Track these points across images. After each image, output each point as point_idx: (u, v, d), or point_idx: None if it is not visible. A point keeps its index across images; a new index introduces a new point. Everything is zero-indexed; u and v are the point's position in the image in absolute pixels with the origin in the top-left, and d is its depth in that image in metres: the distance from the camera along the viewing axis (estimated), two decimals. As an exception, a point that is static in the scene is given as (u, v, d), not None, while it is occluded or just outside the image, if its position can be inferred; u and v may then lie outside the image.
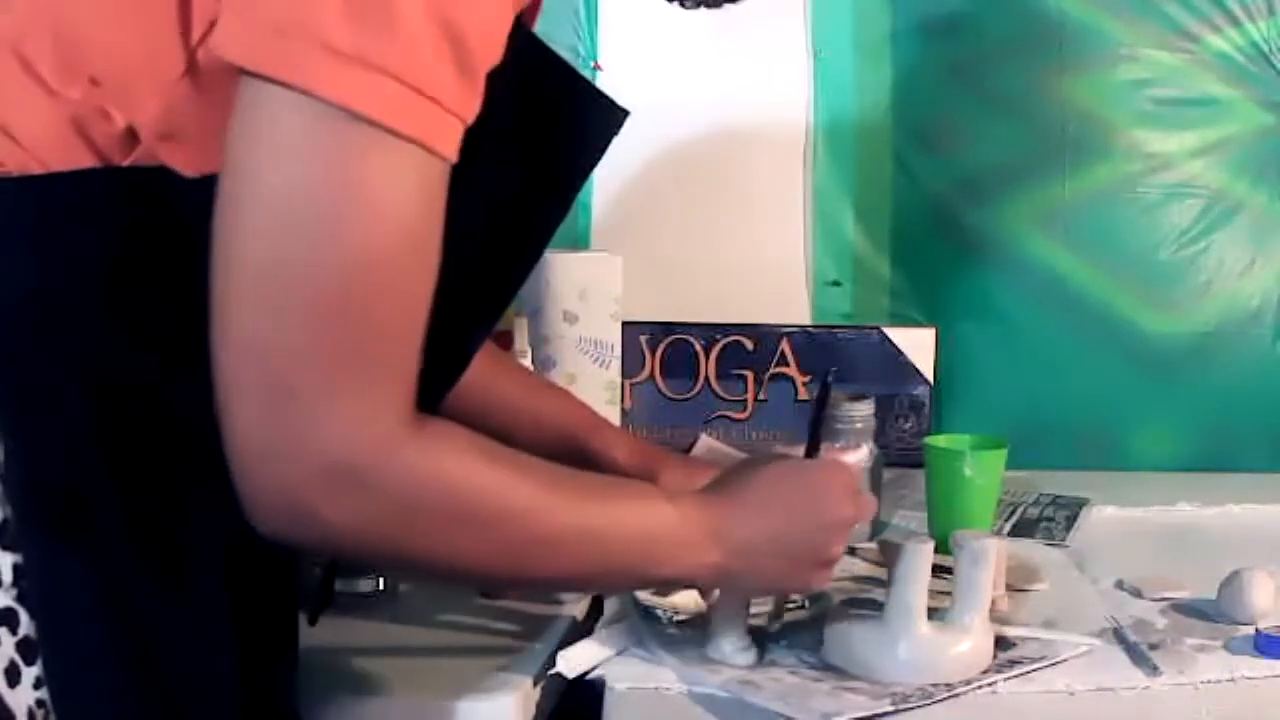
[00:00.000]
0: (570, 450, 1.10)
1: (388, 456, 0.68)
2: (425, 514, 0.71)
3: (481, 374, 1.01)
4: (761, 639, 0.94)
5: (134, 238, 0.70)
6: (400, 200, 0.67)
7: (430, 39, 0.65)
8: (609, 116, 0.85)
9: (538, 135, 0.80)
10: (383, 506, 0.69)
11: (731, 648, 0.92)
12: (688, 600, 0.99)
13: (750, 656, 0.92)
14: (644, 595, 1.00)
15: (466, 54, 0.67)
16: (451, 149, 0.69)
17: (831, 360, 1.55)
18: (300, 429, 0.66)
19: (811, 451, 0.98)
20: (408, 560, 0.76)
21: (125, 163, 0.72)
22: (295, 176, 0.65)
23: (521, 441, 1.10)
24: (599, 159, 0.87)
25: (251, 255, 0.65)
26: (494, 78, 0.71)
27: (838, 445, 1.24)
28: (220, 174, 0.66)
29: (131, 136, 0.72)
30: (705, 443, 1.54)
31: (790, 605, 1.02)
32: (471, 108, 0.69)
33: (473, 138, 0.71)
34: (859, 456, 1.02)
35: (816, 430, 0.98)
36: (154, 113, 0.71)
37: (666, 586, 0.98)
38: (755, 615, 0.96)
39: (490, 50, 0.70)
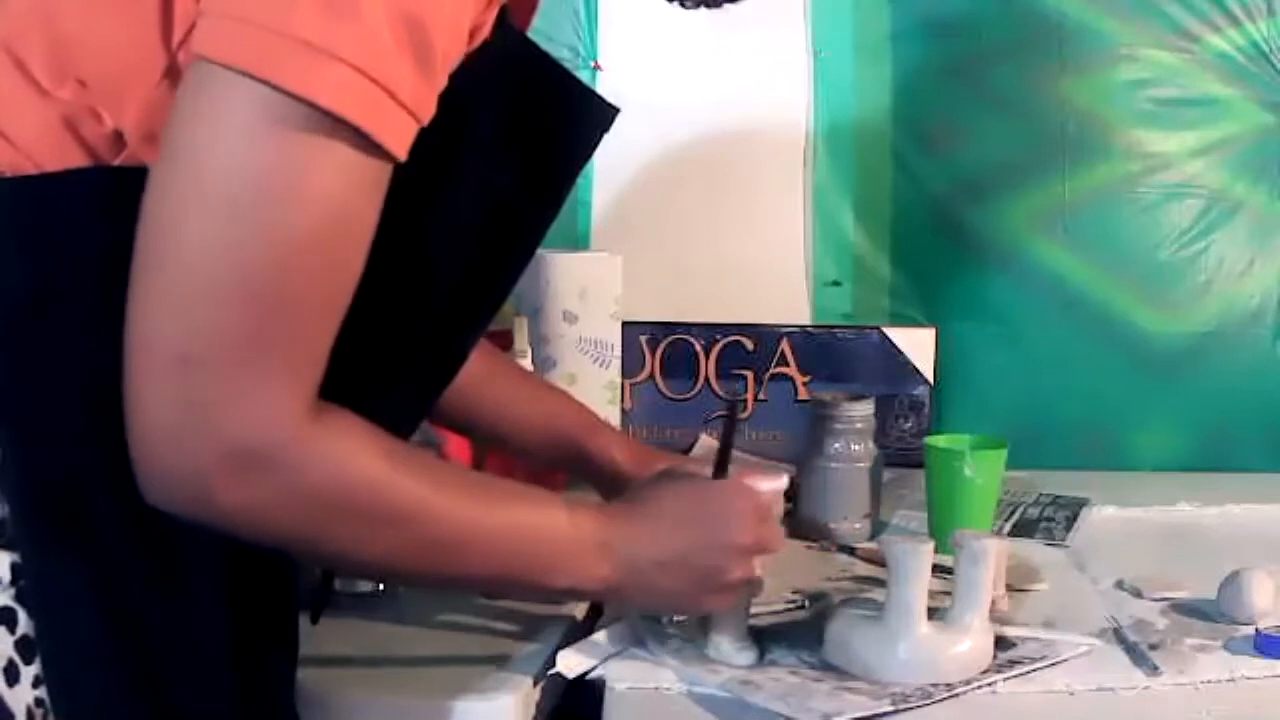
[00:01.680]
0: (568, 451, 1.10)
1: (287, 443, 0.68)
2: (320, 505, 0.70)
3: (478, 374, 1.01)
4: (762, 638, 0.94)
5: (128, 237, 0.70)
6: (333, 187, 0.66)
7: (390, 31, 0.65)
8: (599, 114, 0.84)
9: (528, 134, 0.80)
10: (278, 494, 0.69)
11: (731, 648, 0.92)
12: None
13: (750, 656, 0.92)
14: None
15: (427, 50, 0.67)
16: (399, 145, 0.68)
17: (831, 360, 1.56)
18: (201, 404, 0.65)
19: (719, 472, 0.95)
20: (301, 550, 0.75)
21: (116, 162, 0.72)
22: (230, 154, 0.64)
23: (519, 443, 1.12)
24: (590, 157, 0.87)
25: (173, 227, 0.65)
26: (483, 77, 0.71)
27: (836, 444, 1.24)
28: (160, 153, 0.66)
29: (120, 137, 0.72)
30: (705, 443, 1.54)
31: (791, 605, 1.02)
32: (427, 105, 0.69)
33: (463, 137, 0.71)
34: (774, 484, 1.00)
35: (725, 450, 0.96)
36: (137, 114, 0.71)
37: (564, 597, 0.97)
38: (755, 615, 0.96)
39: (453, 47, 0.69)
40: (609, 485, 1.07)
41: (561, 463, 1.13)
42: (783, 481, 1.02)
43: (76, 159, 0.72)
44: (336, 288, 0.69)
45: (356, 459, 0.71)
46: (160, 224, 0.65)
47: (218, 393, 0.65)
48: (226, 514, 0.68)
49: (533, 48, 0.81)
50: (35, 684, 0.73)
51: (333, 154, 0.65)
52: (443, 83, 0.69)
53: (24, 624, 0.73)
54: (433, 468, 0.79)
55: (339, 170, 0.66)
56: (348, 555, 0.75)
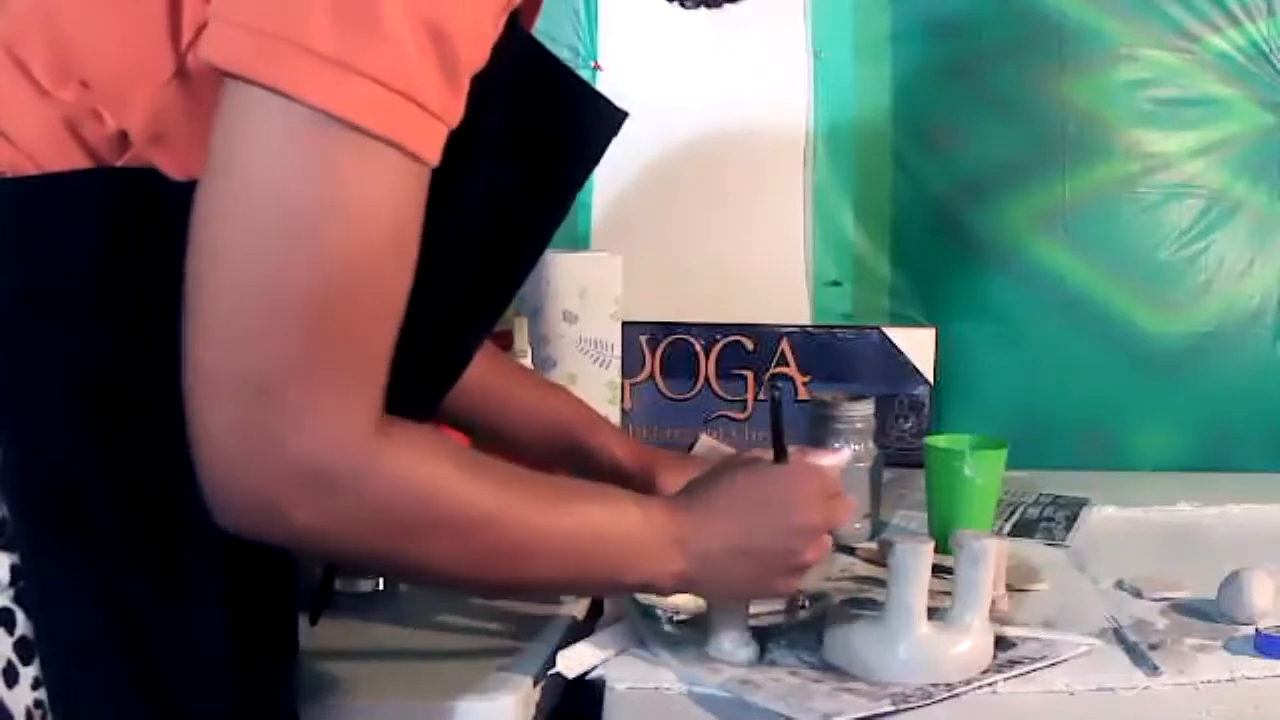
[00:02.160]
0: (568, 448, 1.10)
1: (360, 460, 0.68)
2: (395, 519, 0.71)
3: (480, 373, 1.01)
4: (762, 638, 0.94)
5: (128, 237, 0.70)
6: (377, 203, 0.66)
7: (414, 41, 0.65)
8: (607, 118, 0.84)
9: (536, 137, 0.80)
10: (353, 510, 0.69)
11: (731, 645, 0.92)
12: (687, 600, 0.99)
13: (750, 653, 0.92)
14: (642, 594, 1.00)
15: (451, 57, 0.67)
16: (432, 152, 0.68)
17: (831, 360, 1.56)
18: (273, 429, 0.66)
19: (779, 457, 0.96)
20: (375, 564, 0.76)
21: (118, 163, 0.72)
22: (273, 177, 0.64)
23: (520, 440, 1.12)
24: (598, 161, 0.87)
25: (228, 254, 0.65)
26: (492, 80, 0.71)
27: (836, 444, 1.24)
28: (203, 174, 0.66)
29: (123, 138, 0.72)
30: (705, 442, 1.54)
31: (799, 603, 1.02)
32: (455, 111, 0.69)
33: (470, 140, 0.71)
34: (836, 459, 1.01)
35: (779, 436, 0.96)
36: (143, 115, 0.71)
37: (636, 593, 0.98)
38: (755, 615, 0.96)
39: (476, 52, 0.70)
40: (609, 482, 1.07)
41: (561, 459, 1.13)
42: (844, 455, 1.03)
43: (78, 160, 0.72)
44: (389, 298, 0.69)
45: (425, 471, 0.72)
46: (211, 247, 0.65)
47: (282, 416, 0.66)
48: (300, 534, 0.69)
49: (540, 50, 0.81)
50: (34, 685, 0.73)
51: (368, 168, 0.65)
52: (466, 89, 0.69)
53: (23, 625, 0.73)
54: (506, 473, 0.78)
55: (375, 183, 0.66)
56: (424, 567, 0.75)
